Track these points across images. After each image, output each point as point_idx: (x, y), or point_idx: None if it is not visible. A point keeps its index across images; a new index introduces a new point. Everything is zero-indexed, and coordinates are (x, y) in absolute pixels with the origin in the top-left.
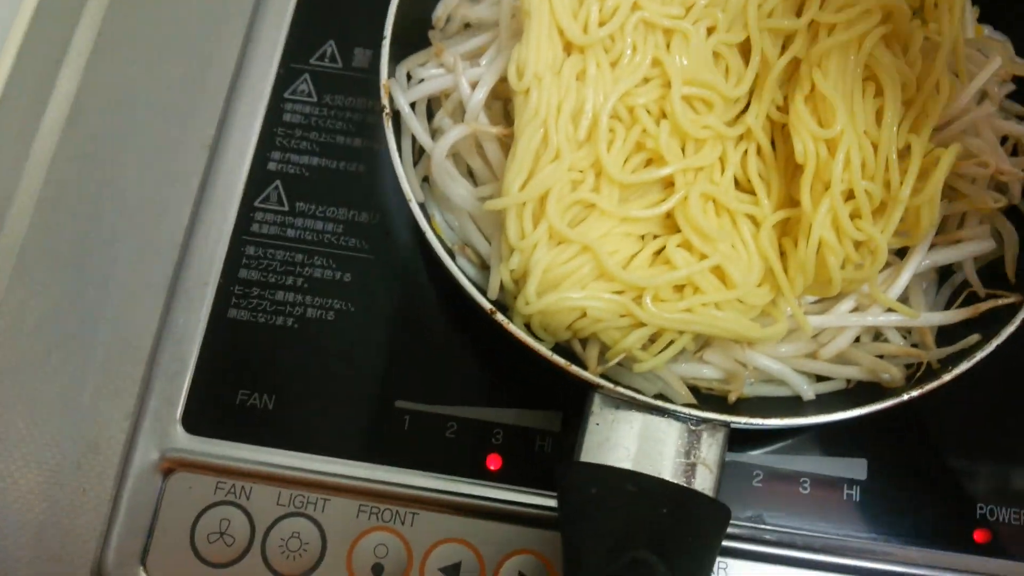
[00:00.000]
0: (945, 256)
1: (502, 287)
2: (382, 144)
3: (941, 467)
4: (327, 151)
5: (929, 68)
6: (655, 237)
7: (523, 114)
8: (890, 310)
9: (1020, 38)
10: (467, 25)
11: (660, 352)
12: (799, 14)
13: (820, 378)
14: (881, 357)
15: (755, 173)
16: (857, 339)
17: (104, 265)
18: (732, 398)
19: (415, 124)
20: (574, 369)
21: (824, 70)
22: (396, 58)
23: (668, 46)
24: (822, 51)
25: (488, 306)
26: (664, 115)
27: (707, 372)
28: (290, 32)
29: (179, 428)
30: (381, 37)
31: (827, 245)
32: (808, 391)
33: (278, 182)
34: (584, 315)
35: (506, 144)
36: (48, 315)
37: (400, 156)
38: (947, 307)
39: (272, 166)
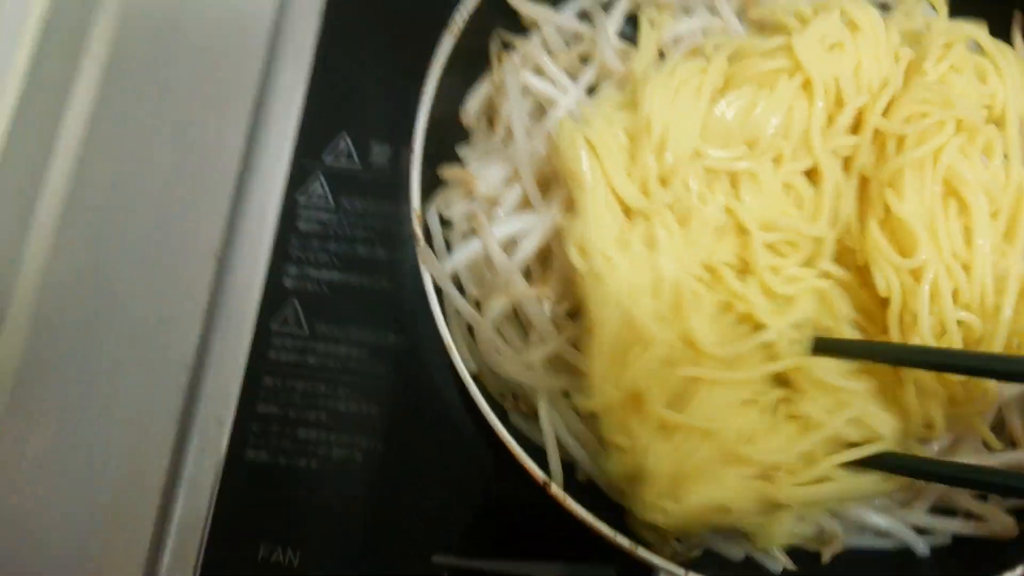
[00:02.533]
0: None
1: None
2: (407, 255)
3: None
4: (347, 264)
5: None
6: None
7: (597, 299)
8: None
9: None
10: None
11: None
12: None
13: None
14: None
15: (847, 317)
16: None
17: (108, 394)
18: (826, 558)
19: (460, 302)
20: (641, 553)
21: (898, 190)
22: (426, 186)
23: (736, 189)
24: (894, 169)
25: (543, 477)
26: (746, 265)
27: (800, 528)
28: (301, 123)
29: None
30: (403, 132)
31: (924, 389)
32: (922, 545)
33: (295, 300)
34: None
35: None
36: (49, 451)
37: (447, 321)
38: None
39: (288, 282)
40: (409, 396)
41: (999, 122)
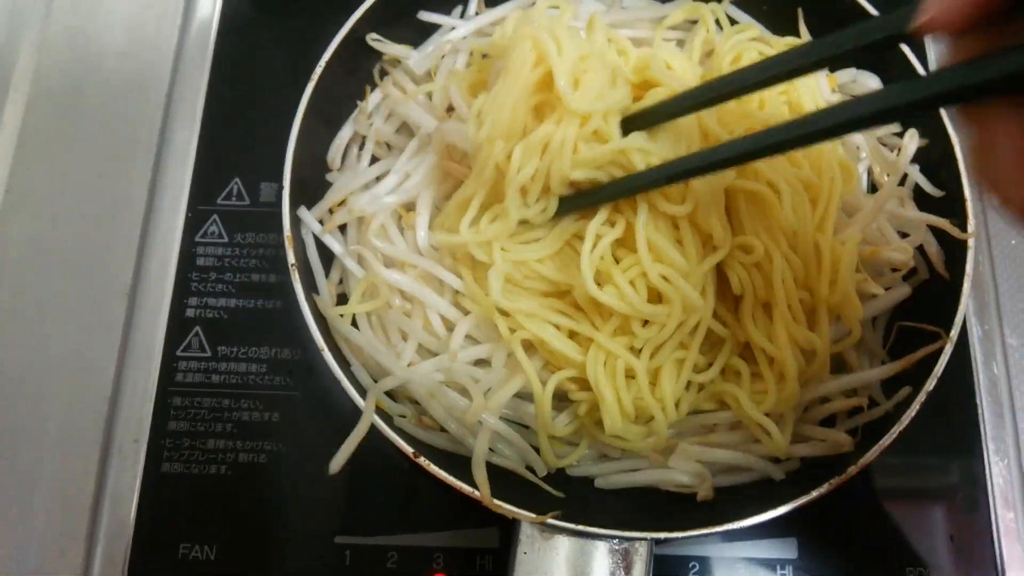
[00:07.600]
0: (869, 310)
1: None
2: None
3: (866, 534)
4: (243, 291)
5: (819, 164)
6: None
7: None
8: None
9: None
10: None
11: None
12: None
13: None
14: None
15: None
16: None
17: (35, 425)
18: (701, 497)
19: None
20: (498, 504)
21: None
22: (299, 200)
23: None
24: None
25: (411, 451)
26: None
27: (677, 477)
28: (195, 173)
29: None
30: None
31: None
32: (778, 473)
33: (198, 328)
34: None
35: None
36: None
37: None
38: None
39: (190, 312)
40: (304, 401)
41: (797, 109)
